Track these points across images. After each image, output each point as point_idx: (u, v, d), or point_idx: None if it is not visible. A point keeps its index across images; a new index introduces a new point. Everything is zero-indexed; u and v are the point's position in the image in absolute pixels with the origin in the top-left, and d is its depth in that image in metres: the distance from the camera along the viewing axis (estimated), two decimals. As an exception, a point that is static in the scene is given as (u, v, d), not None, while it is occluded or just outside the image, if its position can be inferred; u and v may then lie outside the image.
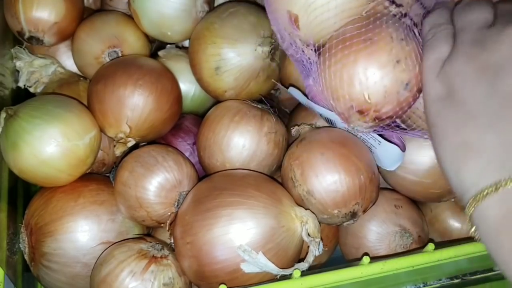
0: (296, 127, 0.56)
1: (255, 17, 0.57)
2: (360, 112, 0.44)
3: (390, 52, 0.43)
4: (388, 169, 0.55)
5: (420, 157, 0.53)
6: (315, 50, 0.46)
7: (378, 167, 0.55)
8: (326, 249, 0.57)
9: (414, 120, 0.47)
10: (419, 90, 0.44)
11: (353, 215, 0.51)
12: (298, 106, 0.66)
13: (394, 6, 0.45)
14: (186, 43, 0.68)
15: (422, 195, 0.57)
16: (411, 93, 0.44)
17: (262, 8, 0.60)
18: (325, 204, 0.50)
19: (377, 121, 0.45)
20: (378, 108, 0.44)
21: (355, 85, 0.43)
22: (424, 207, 0.62)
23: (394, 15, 0.45)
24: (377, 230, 0.56)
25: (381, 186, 0.56)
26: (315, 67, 0.46)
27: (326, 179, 0.50)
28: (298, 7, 0.45)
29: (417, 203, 0.60)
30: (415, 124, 0.47)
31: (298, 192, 0.51)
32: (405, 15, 0.45)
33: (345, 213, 0.51)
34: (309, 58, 0.47)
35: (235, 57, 0.56)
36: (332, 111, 0.48)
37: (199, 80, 0.60)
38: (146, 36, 0.65)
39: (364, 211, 0.52)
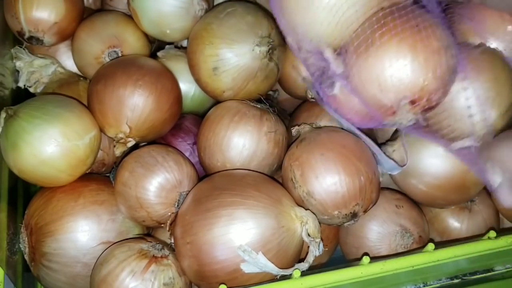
0: (296, 127, 0.56)
1: (253, 17, 0.57)
2: (413, 102, 0.43)
3: (440, 38, 0.42)
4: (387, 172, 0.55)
5: (437, 172, 0.53)
6: (344, 51, 0.46)
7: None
8: (326, 249, 0.57)
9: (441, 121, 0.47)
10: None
11: (354, 215, 0.51)
12: (299, 107, 0.66)
13: None
14: (185, 43, 0.68)
15: (429, 203, 0.58)
16: (455, 78, 0.44)
17: (260, 8, 0.60)
18: (325, 205, 0.50)
19: (425, 111, 0.44)
20: (431, 96, 0.43)
21: (409, 73, 0.42)
22: (425, 207, 0.62)
23: (417, 4, 0.44)
24: (378, 229, 0.56)
25: (381, 186, 0.56)
26: (346, 68, 0.45)
27: (326, 180, 0.50)
28: (323, 13, 0.45)
29: (417, 203, 0.60)
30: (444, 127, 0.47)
31: (298, 193, 0.51)
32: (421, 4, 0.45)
33: (346, 214, 0.51)
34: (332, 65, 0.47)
35: (233, 57, 0.56)
36: (367, 109, 0.47)
37: (198, 81, 0.60)
38: (146, 36, 0.65)
39: (365, 212, 0.52)
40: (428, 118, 0.46)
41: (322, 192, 0.50)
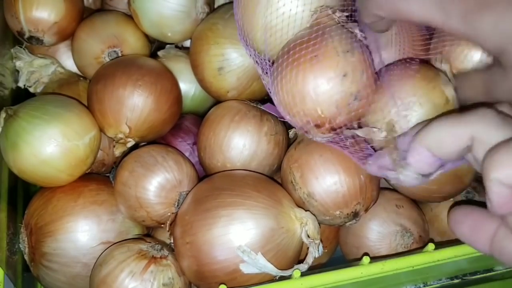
0: (294, 129, 0.56)
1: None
2: (317, 126, 0.46)
3: (336, 67, 0.44)
4: None
5: None
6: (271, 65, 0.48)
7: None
8: (326, 250, 0.57)
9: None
10: (369, 97, 0.45)
11: (355, 215, 0.51)
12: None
13: (337, 13, 0.46)
14: (186, 43, 0.68)
15: (426, 198, 0.58)
16: (362, 102, 0.45)
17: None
18: (327, 206, 0.50)
19: (333, 131, 0.46)
20: (332, 121, 0.45)
21: (307, 102, 0.44)
22: (425, 206, 0.63)
23: (339, 24, 0.45)
24: (378, 229, 0.56)
25: (381, 186, 0.56)
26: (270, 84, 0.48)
27: (326, 181, 0.50)
28: (259, 32, 0.47)
29: (417, 203, 0.60)
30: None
31: (299, 195, 0.51)
32: (349, 19, 0.46)
33: (347, 214, 0.51)
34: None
35: (238, 57, 0.56)
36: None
37: (201, 81, 0.60)
38: (146, 36, 0.65)
39: (366, 210, 0.52)
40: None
41: (323, 193, 0.50)
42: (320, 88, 0.44)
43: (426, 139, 0.36)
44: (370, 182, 0.51)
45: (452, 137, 0.35)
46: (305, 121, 0.46)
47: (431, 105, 0.45)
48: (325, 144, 0.51)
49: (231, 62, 0.56)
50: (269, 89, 0.48)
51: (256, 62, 0.50)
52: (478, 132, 0.33)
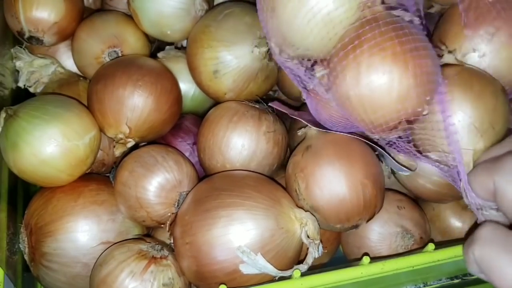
0: (302, 129, 0.55)
1: (251, 18, 0.57)
2: (405, 121, 0.43)
3: (430, 50, 0.42)
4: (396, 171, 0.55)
5: None
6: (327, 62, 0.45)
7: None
8: (326, 251, 0.57)
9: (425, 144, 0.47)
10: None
11: (356, 226, 0.51)
12: (301, 107, 0.66)
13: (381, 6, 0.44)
14: (186, 43, 0.68)
15: (437, 200, 0.58)
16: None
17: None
18: (329, 220, 0.50)
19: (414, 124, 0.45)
20: (422, 110, 0.43)
21: (401, 95, 0.41)
22: (426, 205, 0.62)
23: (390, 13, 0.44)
24: (379, 230, 0.56)
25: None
26: (330, 82, 0.45)
27: (332, 197, 0.49)
28: (317, 27, 0.44)
29: (418, 202, 0.60)
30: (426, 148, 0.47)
31: (302, 205, 0.50)
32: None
33: (348, 227, 0.50)
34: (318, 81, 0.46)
35: (233, 60, 0.56)
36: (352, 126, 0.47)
37: (199, 84, 0.60)
38: (146, 36, 0.65)
39: (368, 221, 0.52)
40: (411, 134, 0.46)
41: (327, 208, 0.49)
42: (423, 74, 0.41)
43: (469, 184, 0.41)
44: (375, 197, 0.50)
45: (479, 186, 0.40)
46: (393, 118, 0.43)
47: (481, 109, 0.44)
48: (333, 154, 0.50)
49: (226, 65, 0.56)
50: (327, 84, 0.45)
51: (289, 68, 0.47)
52: (497, 183, 0.37)
